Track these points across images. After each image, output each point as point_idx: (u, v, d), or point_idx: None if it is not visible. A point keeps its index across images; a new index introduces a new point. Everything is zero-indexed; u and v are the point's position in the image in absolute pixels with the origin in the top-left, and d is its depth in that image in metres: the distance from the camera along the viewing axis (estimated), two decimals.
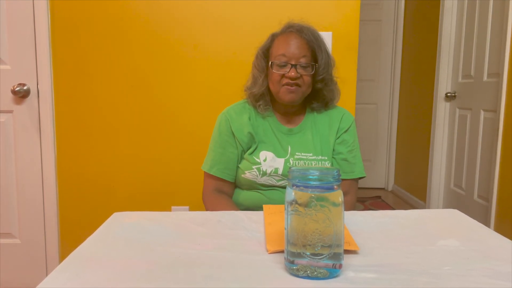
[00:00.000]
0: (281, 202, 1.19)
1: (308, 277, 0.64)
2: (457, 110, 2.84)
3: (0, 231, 1.95)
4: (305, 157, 1.24)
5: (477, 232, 0.87)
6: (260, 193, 1.24)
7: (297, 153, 1.24)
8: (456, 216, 0.98)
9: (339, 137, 1.28)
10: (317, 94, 1.27)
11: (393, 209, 2.61)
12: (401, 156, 3.78)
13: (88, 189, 1.96)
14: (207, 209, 1.25)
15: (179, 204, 1.96)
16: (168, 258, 0.71)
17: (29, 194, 1.94)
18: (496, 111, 2.30)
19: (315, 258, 0.63)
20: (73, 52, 1.88)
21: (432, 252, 0.75)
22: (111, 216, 0.95)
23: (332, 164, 1.26)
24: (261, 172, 1.21)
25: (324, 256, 0.63)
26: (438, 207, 3.01)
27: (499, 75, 2.28)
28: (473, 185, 2.60)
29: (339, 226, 0.64)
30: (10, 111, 1.90)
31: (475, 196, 2.58)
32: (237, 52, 1.87)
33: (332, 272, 0.64)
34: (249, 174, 1.22)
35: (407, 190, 3.59)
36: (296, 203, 0.64)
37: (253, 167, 1.22)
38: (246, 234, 0.84)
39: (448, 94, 2.90)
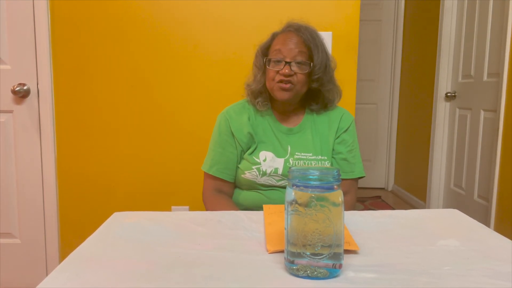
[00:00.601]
0: (281, 202, 1.19)
1: (308, 277, 0.64)
2: (457, 110, 2.84)
3: (0, 231, 1.95)
4: (304, 157, 1.24)
5: (477, 232, 0.87)
6: (260, 193, 1.24)
7: (296, 153, 1.24)
8: (456, 216, 0.98)
9: (338, 136, 1.28)
10: (316, 95, 1.27)
11: (393, 209, 2.61)
12: (401, 156, 3.78)
13: (88, 189, 1.96)
14: (207, 209, 1.25)
15: (179, 204, 1.96)
16: (168, 258, 0.71)
17: (29, 194, 1.94)
18: (496, 111, 2.30)
19: (315, 258, 0.63)
20: (73, 52, 1.88)
21: (432, 252, 0.75)
22: (111, 216, 0.95)
23: (331, 164, 1.26)
24: (261, 172, 1.21)
25: (324, 256, 0.63)
26: (438, 207, 3.01)
27: (499, 75, 2.28)
28: (473, 185, 2.60)
29: (339, 226, 0.64)
30: (10, 111, 1.90)
31: (475, 196, 2.58)
32: (237, 52, 1.87)
33: (332, 272, 0.64)
34: (249, 174, 1.22)
35: (407, 190, 3.59)
36: (296, 203, 0.64)
37: (253, 167, 1.22)
38: (246, 234, 0.84)
39: (448, 94, 2.90)
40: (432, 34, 3.04)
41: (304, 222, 0.63)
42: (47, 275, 0.70)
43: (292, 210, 0.64)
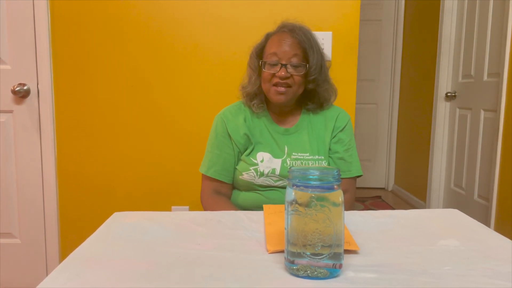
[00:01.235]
0: (280, 201, 1.19)
1: (308, 277, 0.64)
2: (457, 110, 2.84)
3: (0, 231, 1.95)
4: (301, 157, 1.24)
5: (477, 232, 0.87)
6: (259, 193, 1.24)
7: (293, 153, 1.24)
8: (456, 216, 0.98)
9: (334, 136, 1.28)
10: (312, 95, 1.27)
11: (393, 209, 2.61)
12: (401, 156, 3.78)
13: (88, 189, 1.96)
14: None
15: (179, 204, 1.96)
16: (168, 258, 0.71)
17: (29, 194, 1.94)
18: (496, 111, 2.30)
19: (315, 258, 0.63)
20: (73, 52, 1.88)
21: (432, 252, 0.75)
22: (111, 216, 0.95)
23: (329, 164, 1.26)
24: (259, 173, 1.21)
25: (324, 256, 0.63)
26: (438, 207, 3.01)
27: (499, 75, 2.28)
28: (473, 185, 2.60)
29: (339, 226, 0.64)
30: (10, 111, 1.90)
31: (475, 196, 2.58)
32: (237, 52, 1.87)
33: (332, 272, 0.64)
34: (246, 176, 1.22)
35: (407, 190, 3.59)
36: (296, 203, 0.64)
37: (251, 168, 1.22)
38: (246, 234, 0.84)
39: (448, 94, 2.90)
40: (432, 34, 3.04)
41: (304, 222, 0.63)
42: (47, 275, 0.70)
43: (292, 210, 0.64)
